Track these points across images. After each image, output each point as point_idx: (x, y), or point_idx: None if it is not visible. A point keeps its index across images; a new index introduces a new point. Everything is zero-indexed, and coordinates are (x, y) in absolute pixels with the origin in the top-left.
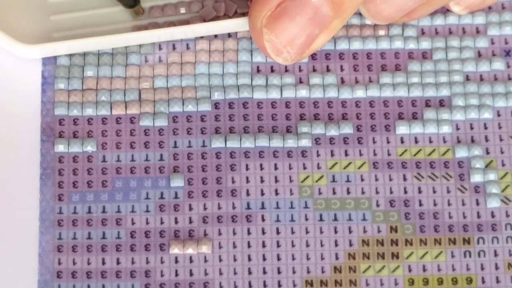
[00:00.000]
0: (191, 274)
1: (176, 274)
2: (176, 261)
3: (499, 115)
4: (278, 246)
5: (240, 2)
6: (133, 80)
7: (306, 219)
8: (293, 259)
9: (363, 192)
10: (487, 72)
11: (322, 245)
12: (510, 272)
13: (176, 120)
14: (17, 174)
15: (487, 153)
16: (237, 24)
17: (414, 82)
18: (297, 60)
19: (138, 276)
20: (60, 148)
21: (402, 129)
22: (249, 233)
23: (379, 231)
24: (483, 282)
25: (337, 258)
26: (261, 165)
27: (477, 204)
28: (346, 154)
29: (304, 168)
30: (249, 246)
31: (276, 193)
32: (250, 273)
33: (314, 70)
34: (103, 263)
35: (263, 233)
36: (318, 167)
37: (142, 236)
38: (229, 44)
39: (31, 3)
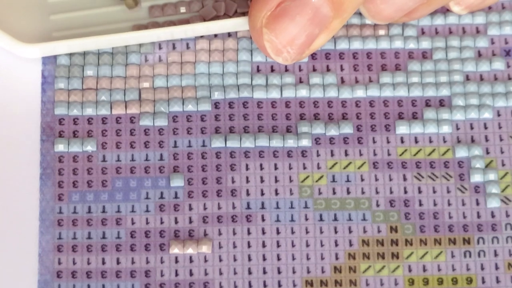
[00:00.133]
0: (191, 274)
1: (176, 274)
2: (176, 261)
3: (499, 115)
4: (278, 246)
5: (240, 2)
6: (133, 80)
7: (306, 219)
8: (293, 259)
9: (363, 192)
10: (487, 72)
11: (322, 245)
12: (510, 272)
13: (176, 119)
14: (17, 174)
15: (487, 153)
16: (237, 24)
17: (414, 82)
18: (297, 60)
19: (138, 276)
20: (60, 147)
21: (402, 129)
22: (249, 233)
23: (379, 231)
24: (483, 282)
25: (337, 258)
26: (261, 165)
27: (477, 204)
28: (346, 154)
29: (304, 168)
30: (249, 246)
31: (276, 193)
32: (250, 273)
33: (314, 70)
34: (103, 263)
35: (263, 233)
36: (318, 167)
37: (142, 236)
38: (229, 44)
39: (31, 2)
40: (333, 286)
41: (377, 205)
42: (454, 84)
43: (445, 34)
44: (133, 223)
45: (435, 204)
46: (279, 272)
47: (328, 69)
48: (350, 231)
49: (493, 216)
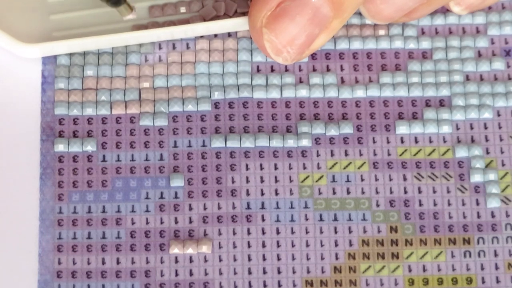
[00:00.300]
0: (191, 274)
1: (176, 274)
2: (176, 261)
3: (499, 115)
4: (278, 246)
5: (240, 2)
6: (133, 80)
7: (306, 219)
8: (293, 259)
9: (363, 192)
10: (487, 72)
11: (322, 245)
12: (510, 272)
13: (176, 119)
14: (17, 173)
15: (487, 153)
16: (237, 24)
17: (414, 82)
18: (297, 60)
19: (138, 276)
20: (60, 147)
21: (402, 129)
22: (249, 233)
23: (379, 231)
24: (483, 282)
25: (337, 258)
26: (261, 165)
27: (477, 204)
28: (346, 154)
29: (304, 168)
30: (249, 246)
31: (276, 193)
32: (250, 273)
33: (314, 70)
34: (103, 263)
35: (263, 233)
36: (318, 167)
37: (142, 236)
38: (229, 44)
39: (31, 2)
40: (333, 286)
41: (377, 205)
42: (454, 84)
43: (445, 34)
44: (133, 223)
45: (435, 204)
46: (279, 272)
47: (328, 69)
48: (350, 231)
49: (493, 216)
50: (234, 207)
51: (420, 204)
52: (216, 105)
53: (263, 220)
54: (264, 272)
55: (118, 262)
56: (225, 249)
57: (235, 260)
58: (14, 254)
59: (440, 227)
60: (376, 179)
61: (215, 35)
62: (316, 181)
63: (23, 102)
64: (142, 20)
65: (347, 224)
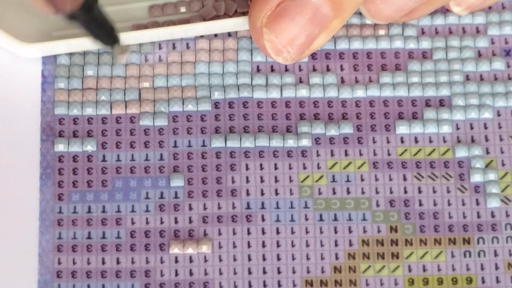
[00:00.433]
0: (191, 274)
1: (176, 274)
2: (176, 261)
3: (499, 115)
4: (278, 246)
5: (240, 2)
6: (133, 80)
7: (306, 219)
8: (293, 259)
9: (363, 192)
10: (487, 72)
11: (322, 245)
12: (510, 272)
13: (176, 119)
14: (17, 173)
15: (487, 153)
16: (237, 24)
17: (414, 82)
18: (297, 60)
19: (138, 276)
20: (60, 147)
21: (402, 129)
22: (249, 233)
23: (379, 231)
24: (483, 282)
25: (337, 258)
26: (261, 165)
27: (477, 204)
28: (346, 154)
29: (304, 168)
30: (249, 246)
31: (276, 193)
32: (250, 273)
33: (314, 70)
34: (103, 263)
35: (263, 233)
36: (318, 167)
37: (142, 236)
38: (229, 44)
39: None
40: (333, 286)
41: (377, 205)
42: (454, 84)
43: (445, 34)
44: (133, 223)
45: (435, 204)
46: (279, 272)
47: (328, 69)
48: (350, 231)
49: (493, 216)
50: (234, 207)
51: (420, 204)
52: (216, 105)
53: (263, 220)
54: (264, 272)
55: (118, 262)
56: (225, 249)
57: (235, 260)
58: (14, 254)
59: (440, 227)
60: (376, 179)
61: (215, 35)
62: (316, 181)
63: (23, 102)
64: (142, 20)
65: (347, 224)
